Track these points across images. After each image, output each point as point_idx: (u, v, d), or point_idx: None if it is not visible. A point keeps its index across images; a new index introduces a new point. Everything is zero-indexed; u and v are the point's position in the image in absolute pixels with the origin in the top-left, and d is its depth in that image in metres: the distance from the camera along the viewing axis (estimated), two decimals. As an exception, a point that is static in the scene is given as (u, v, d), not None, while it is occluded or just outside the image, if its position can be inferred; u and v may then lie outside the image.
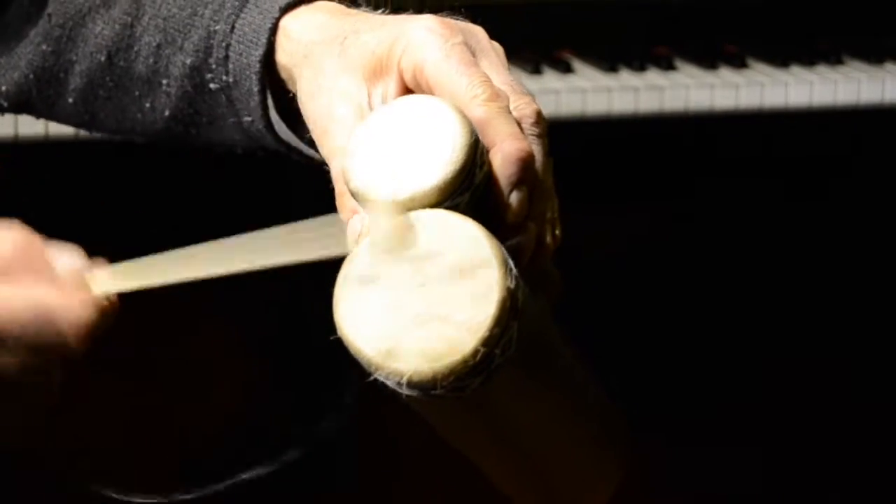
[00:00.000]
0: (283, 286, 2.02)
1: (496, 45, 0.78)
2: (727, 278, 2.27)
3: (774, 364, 2.26)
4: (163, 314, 2.00)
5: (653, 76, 2.06)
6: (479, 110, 0.71)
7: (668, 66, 2.08)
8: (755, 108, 2.06)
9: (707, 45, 2.16)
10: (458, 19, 0.77)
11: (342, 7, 0.84)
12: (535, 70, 2.02)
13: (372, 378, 0.66)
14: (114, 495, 0.75)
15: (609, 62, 2.06)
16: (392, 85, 0.76)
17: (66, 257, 0.68)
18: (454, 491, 1.88)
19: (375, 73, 0.77)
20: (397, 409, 0.70)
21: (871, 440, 2.28)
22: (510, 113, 0.72)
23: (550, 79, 2.01)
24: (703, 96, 2.03)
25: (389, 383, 0.65)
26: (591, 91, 1.98)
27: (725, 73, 2.09)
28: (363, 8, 0.85)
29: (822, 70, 2.14)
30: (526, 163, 0.70)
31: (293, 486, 1.97)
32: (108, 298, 0.68)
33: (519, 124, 0.72)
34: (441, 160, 0.68)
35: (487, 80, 0.73)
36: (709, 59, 2.11)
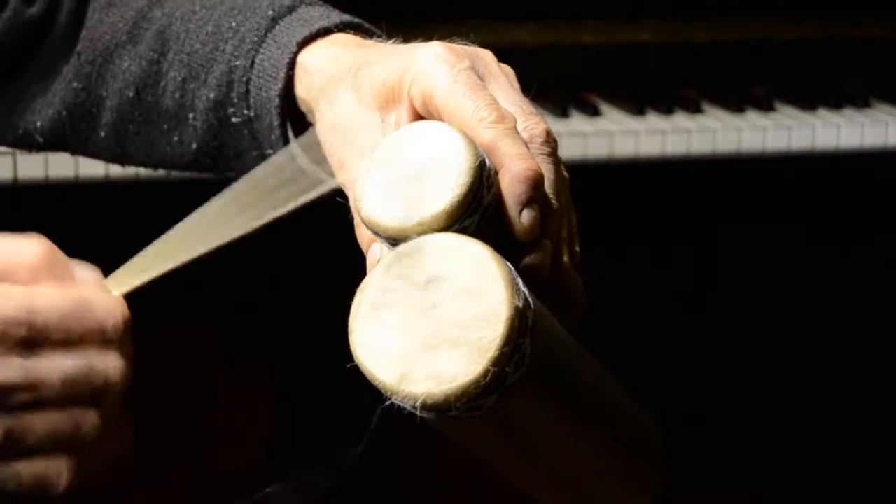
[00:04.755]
0: (307, 322, 2.04)
1: (505, 67, 0.79)
2: (752, 321, 2.26)
3: (791, 409, 2.26)
4: (186, 356, 2.03)
5: (680, 119, 2.07)
6: (486, 133, 0.72)
7: (695, 108, 2.10)
8: (782, 150, 2.07)
9: (734, 88, 2.17)
10: (465, 44, 0.78)
11: (357, 39, 0.86)
12: (563, 113, 2.03)
13: (388, 402, 0.66)
14: None
15: (636, 105, 2.08)
16: (404, 113, 0.77)
17: (84, 270, 0.70)
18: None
19: (388, 102, 0.78)
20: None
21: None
22: (517, 133, 0.73)
23: (578, 121, 2.02)
24: (730, 139, 2.04)
25: (405, 407, 0.65)
26: (618, 134, 1.99)
27: (752, 116, 2.10)
28: (376, 38, 0.86)
29: (850, 113, 2.14)
30: (534, 181, 0.70)
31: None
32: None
33: (528, 144, 0.73)
34: (447, 184, 0.69)
35: (494, 103, 0.73)
36: (736, 102, 2.12)
